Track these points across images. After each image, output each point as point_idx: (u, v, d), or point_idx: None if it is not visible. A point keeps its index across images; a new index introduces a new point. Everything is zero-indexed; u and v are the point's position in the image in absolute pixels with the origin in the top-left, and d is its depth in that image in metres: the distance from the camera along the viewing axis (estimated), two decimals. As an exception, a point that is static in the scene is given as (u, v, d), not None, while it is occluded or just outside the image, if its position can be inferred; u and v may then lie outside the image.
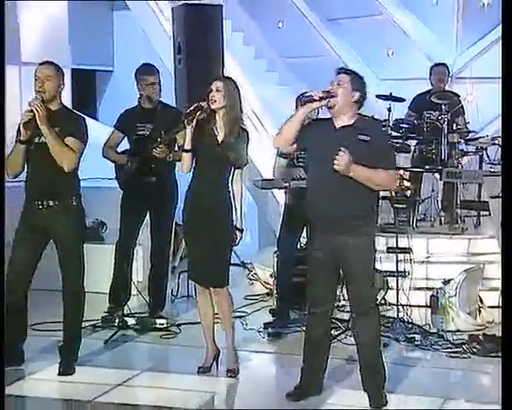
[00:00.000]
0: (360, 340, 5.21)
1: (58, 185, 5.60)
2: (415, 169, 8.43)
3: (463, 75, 11.07)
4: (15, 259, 5.69)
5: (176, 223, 7.45)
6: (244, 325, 6.79)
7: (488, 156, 8.43)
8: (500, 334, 5.95)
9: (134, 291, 7.17)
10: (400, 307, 6.66)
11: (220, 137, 5.60)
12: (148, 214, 7.05)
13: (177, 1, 8.96)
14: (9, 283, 5.71)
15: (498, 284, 6.80)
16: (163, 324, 6.82)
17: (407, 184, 8.08)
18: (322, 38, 12.23)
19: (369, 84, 11.35)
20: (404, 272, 6.85)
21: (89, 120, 12.00)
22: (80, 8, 11.94)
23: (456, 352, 6.19)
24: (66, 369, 5.72)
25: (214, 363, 5.80)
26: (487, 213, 8.25)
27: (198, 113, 5.53)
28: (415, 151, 8.58)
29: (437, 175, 8.37)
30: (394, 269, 6.77)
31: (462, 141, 8.56)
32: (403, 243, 6.87)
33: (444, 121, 8.17)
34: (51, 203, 5.61)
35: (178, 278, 7.91)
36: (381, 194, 7.93)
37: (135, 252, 7.17)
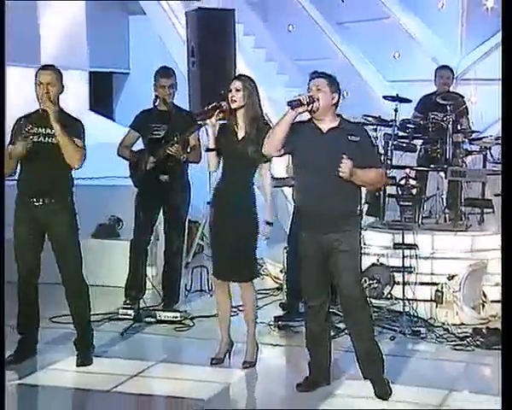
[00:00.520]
0: (351, 334, 5.24)
1: (54, 184, 5.62)
2: (420, 168, 8.42)
3: (468, 77, 11.03)
4: (20, 256, 5.72)
5: (189, 220, 7.46)
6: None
7: (492, 156, 8.41)
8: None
9: (149, 285, 7.18)
10: (406, 302, 6.65)
11: (240, 135, 5.59)
12: (161, 212, 7.06)
13: (192, 0, 8.94)
14: (21, 278, 5.75)
15: (501, 279, 6.79)
16: (177, 317, 6.83)
17: (413, 182, 8.07)
18: (331, 41, 12.21)
19: (377, 85, 11.43)
20: (410, 267, 6.84)
21: (106, 121, 12.10)
22: (98, 12, 11.97)
23: (460, 345, 6.19)
24: (83, 360, 5.76)
25: (227, 355, 5.81)
26: (491, 210, 8.23)
27: (217, 111, 5.53)
28: (420, 150, 8.57)
29: (442, 174, 8.34)
30: (400, 264, 6.76)
31: (467, 141, 8.53)
32: (409, 239, 6.86)
33: (449, 122, 8.15)
34: (47, 201, 5.62)
35: (192, 273, 7.92)
36: (388, 192, 7.94)
37: (151, 248, 7.18)
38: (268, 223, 5.69)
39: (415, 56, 11.47)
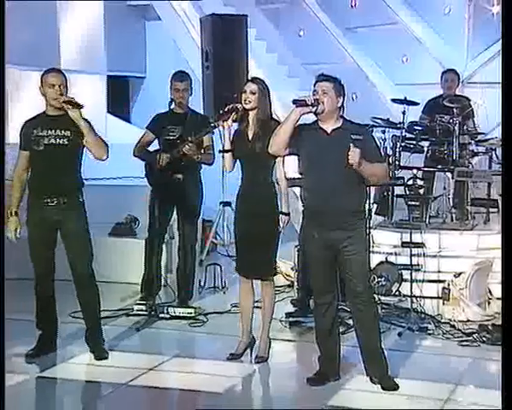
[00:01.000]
0: (357, 330, 5.22)
1: (66, 184, 5.62)
2: (428, 169, 8.40)
3: (474, 80, 11.01)
4: (36, 254, 5.72)
5: (203, 219, 7.46)
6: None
7: (497, 157, 8.37)
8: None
9: (164, 282, 7.18)
10: (414, 299, 6.62)
11: (251, 135, 5.59)
12: (175, 211, 7.06)
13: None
14: (37, 276, 5.76)
15: (507, 277, 6.75)
16: (191, 313, 6.83)
17: (420, 182, 8.05)
18: (341, 46, 12.20)
19: (385, 88, 11.41)
20: (418, 265, 6.82)
21: (122, 123, 12.11)
22: (115, 19, 12.00)
23: (466, 341, 6.17)
24: (99, 355, 5.76)
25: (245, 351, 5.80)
26: (496, 210, 8.20)
27: (233, 114, 5.53)
28: (428, 152, 8.54)
29: (449, 174, 8.32)
30: (408, 262, 6.74)
31: (473, 142, 8.50)
32: (416, 238, 6.84)
33: (455, 124, 8.13)
34: (61, 200, 5.62)
35: (205, 270, 7.91)
36: (396, 192, 7.91)
37: (166, 246, 7.18)
38: (284, 213, 5.67)
39: (422, 60, 11.44)
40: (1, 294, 5.38)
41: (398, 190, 7.94)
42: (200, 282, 7.69)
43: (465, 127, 8.40)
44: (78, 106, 5.50)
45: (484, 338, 6.15)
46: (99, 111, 10.83)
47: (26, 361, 5.69)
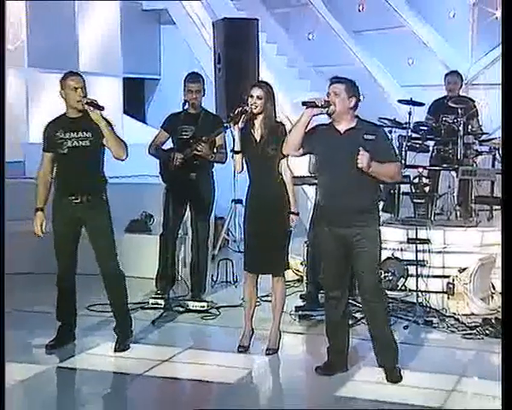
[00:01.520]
0: (370, 323, 5.22)
1: (89, 183, 5.66)
2: (433, 167, 8.37)
3: (478, 82, 10.98)
4: (59, 249, 5.75)
5: (215, 216, 7.45)
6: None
7: (500, 156, 8.35)
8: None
9: (178, 277, 7.19)
10: (419, 293, 6.61)
11: (258, 137, 5.60)
12: (188, 208, 7.06)
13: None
14: (60, 271, 5.78)
15: (509, 272, 6.73)
16: (204, 306, 6.84)
17: (426, 181, 8.02)
18: (349, 49, 12.18)
19: (392, 90, 11.38)
20: (423, 260, 6.80)
21: (138, 123, 12.12)
22: (131, 23, 12.01)
23: (470, 334, 6.15)
24: (121, 346, 5.78)
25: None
26: (499, 207, 8.16)
27: (243, 116, 5.53)
28: (433, 151, 8.52)
29: (453, 173, 8.29)
30: (414, 258, 6.72)
31: (477, 142, 8.47)
32: (422, 234, 6.83)
33: (459, 124, 8.10)
34: (85, 199, 5.64)
35: (218, 265, 7.91)
36: (402, 190, 7.89)
37: (179, 241, 7.18)
38: (293, 213, 5.67)
39: (428, 63, 11.42)
40: (1, 293, 5.34)
41: (405, 188, 7.91)
42: (212, 276, 7.69)
43: (469, 127, 8.37)
44: (100, 107, 5.52)
45: (487, 331, 6.14)
46: (115, 112, 10.82)
47: (46, 352, 5.72)
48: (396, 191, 7.80)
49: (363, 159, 4.86)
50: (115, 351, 5.74)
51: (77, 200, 5.64)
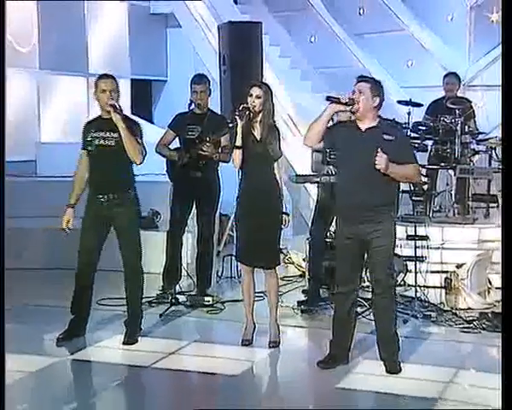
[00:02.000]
0: (378, 314, 5.20)
1: (118, 181, 5.67)
2: (431, 166, 8.35)
3: (475, 83, 10.97)
4: (83, 244, 5.75)
5: (220, 213, 7.44)
6: (280, 303, 6.76)
7: (497, 155, 8.32)
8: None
9: (184, 272, 7.18)
10: (418, 288, 6.59)
11: (258, 136, 5.60)
12: (194, 205, 7.05)
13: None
14: (79, 264, 5.77)
15: (505, 267, 6.72)
16: (209, 301, 6.83)
17: (424, 179, 8.01)
18: (350, 51, 12.16)
19: (391, 91, 11.36)
20: (422, 256, 6.78)
21: (145, 123, 12.14)
22: (139, 26, 12.02)
23: (467, 328, 6.14)
24: (130, 339, 5.78)
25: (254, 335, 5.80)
26: (495, 205, 8.16)
27: (247, 113, 5.53)
28: (431, 150, 8.50)
29: (451, 171, 8.28)
30: (413, 254, 6.71)
31: (474, 141, 8.46)
32: (420, 231, 6.80)
33: (457, 124, 8.08)
34: (112, 197, 5.65)
35: (223, 261, 7.91)
36: (402, 187, 7.87)
37: (185, 238, 7.17)
38: (284, 213, 5.67)
39: (426, 64, 11.41)
40: (1, 293, 5.29)
41: (404, 187, 7.89)
42: (217, 272, 7.69)
43: (466, 127, 8.35)
44: (118, 110, 5.53)
45: (484, 325, 6.12)
46: (123, 112, 10.83)
47: (57, 345, 5.71)
48: (395, 189, 7.78)
49: (381, 161, 4.85)
50: (124, 344, 5.74)
51: (104, 198, 5.65)
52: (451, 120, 8.23)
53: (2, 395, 4.26)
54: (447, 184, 8.37)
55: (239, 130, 5.54)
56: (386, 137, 4.95)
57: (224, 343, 5.95)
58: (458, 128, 8.08)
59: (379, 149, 4.85)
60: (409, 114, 8.20)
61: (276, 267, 5.77)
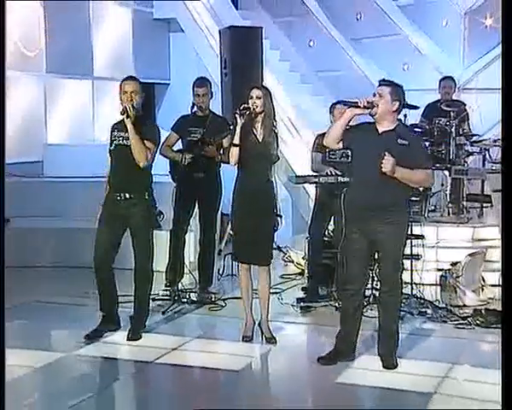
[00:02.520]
0: (383, 311, 5.17)
1: (134, 181, 5.64)
2: (427, 167, 8.35)
3: (469, 86, 10.97)
4: (99, 241, 5.72)
5: (222, 213, 7.43)
6: (280, 300, 6.77)
7: (490, 156, 8.34)
8: (500, 308, 5.89)
9: (186, 270, 7.18)
10: (414, 286, 6.59)
11: (260, 137, 5.59)
12: (197, 205, 7.04)
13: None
14: (96, 261, 5.73)
15: (499, 265, 6.71)
16: (210, 298, 6.82)
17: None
18: (348, 55, 12.16)
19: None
20: (418, 255, 6.77)
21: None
22: (143, 31, 12.02)
23: (462, 324, 6.13)
24: (134, 335, 5.76)
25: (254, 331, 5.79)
26: (489, 204, 8.16)
27: (247, 113, 5.52)
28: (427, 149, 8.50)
29: (446, 172, 8.28)
30: (409, 253, 6.69)
31: (468, 143, 8.46)
32: (416, 230, 6.79)
33: (452, 126, 8.09)
34: (128, 196, 5.64)
35: (224, 259, 7.90)
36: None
37: (187, 237, 7.17)
38: (277, 215, 5.67)
39: (422, 68, 11.41)
40: (1, 292, 5.23)
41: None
42: (218, 270, 7.68)
43: (461, 129, 8.35)
44: (123, 113, 5.52)
45: (478, 322, 6.12)
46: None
47: (86, 343, 5.65)
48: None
49: (386, 164, 4.82)
50: (128, 339, 5.73)
51: (121, 197, 5.64)
52: (446, 122, 8.24)
53: (3, 394, 4.22)
54: (442, 185, 8.36)
55: (238, 128, 5.52)
56: (400, 141, 4.91)
57: (225, 339, 5.94)
58: (453, 130, 8.09)
59: (386, 153, 4.82)
60: (405, 116, 8.17)
61: (272, 266, 5.75)
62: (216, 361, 5.43)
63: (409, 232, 6.72)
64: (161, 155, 6.91)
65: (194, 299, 6.81)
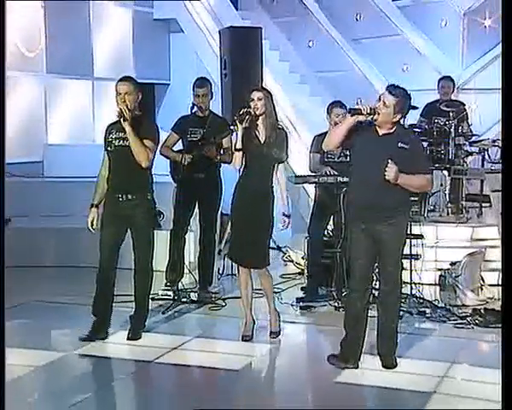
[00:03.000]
0: (383, 310, 5.14)
1: (134, 182, 5.62)
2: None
3: (468, 87, 10.96)
4: (104, 243, 5.70)
5: (222, 213, 7.42)
6: (279, 300, 6.76)
7: (489, 156, 8.34)
8: (499, 308, 5.90)
9: (186, 270, 7.18)
10: (413, 285, 6.59)
11: (262, 139, 5.60)
12: (197, 205, 7.04)
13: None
14: (102, 262, 5.72)
15: (498, 265, 6.73)
16: (210, 297, 6.82)
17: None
18: (347, 56, 12.15)
19: (387, 94, 11.17)
20: (417, 254, 6.78)
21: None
22: (143, 31, 12.02)
23: (461, 323, 6.13)
24: (134, 335, 5.76)
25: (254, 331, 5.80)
26: (488, 204, 8.16)
27: (247, 117, 5.52)
28: (426, 152, 8.50)
29: (445, 172, 8.28)
30: (408, 252, 6.70)
31: (467, 143, 8.46)
32: (416, 230, 6.79)
33: (451, 126, 8.09)
34: (129, 197, 5.63)
35: (224, 259, 7.89)
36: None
37: (187, 237, 7.17)
38: (285, 215, 5.67)
39: (421, 69, 11.40)
40: (1, 292, 5.19)
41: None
42: (218, 270, 7.67)
43: (460, 129, 8.36)
44: (119, 115, 5.51)
45: (477, 321, 6.12)
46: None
47: (86, 343, 5.62)
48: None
49: (390, 172, 4.82)
50: (128, 339, 5.73)
51: (122, 198, 5.62)
52: (445, 122, 8.24)
53: (3, 393, 4.20)
54: (441, 185, 8.37)
55: (239, 133, 5.54)
56: (400, 144, 4.90)
57: (225, 339, 5.94)
58: (452, 130, 8.09)
59: (389, 160, 4.81)
60: (404, 116, 8.19)
61: (271, 266, 5.77)
62: (216, 361, 5.43)
63: (408, 232, 6.79)
64: (161, 156, 6.91)
65: (194, 299, 6.81)
